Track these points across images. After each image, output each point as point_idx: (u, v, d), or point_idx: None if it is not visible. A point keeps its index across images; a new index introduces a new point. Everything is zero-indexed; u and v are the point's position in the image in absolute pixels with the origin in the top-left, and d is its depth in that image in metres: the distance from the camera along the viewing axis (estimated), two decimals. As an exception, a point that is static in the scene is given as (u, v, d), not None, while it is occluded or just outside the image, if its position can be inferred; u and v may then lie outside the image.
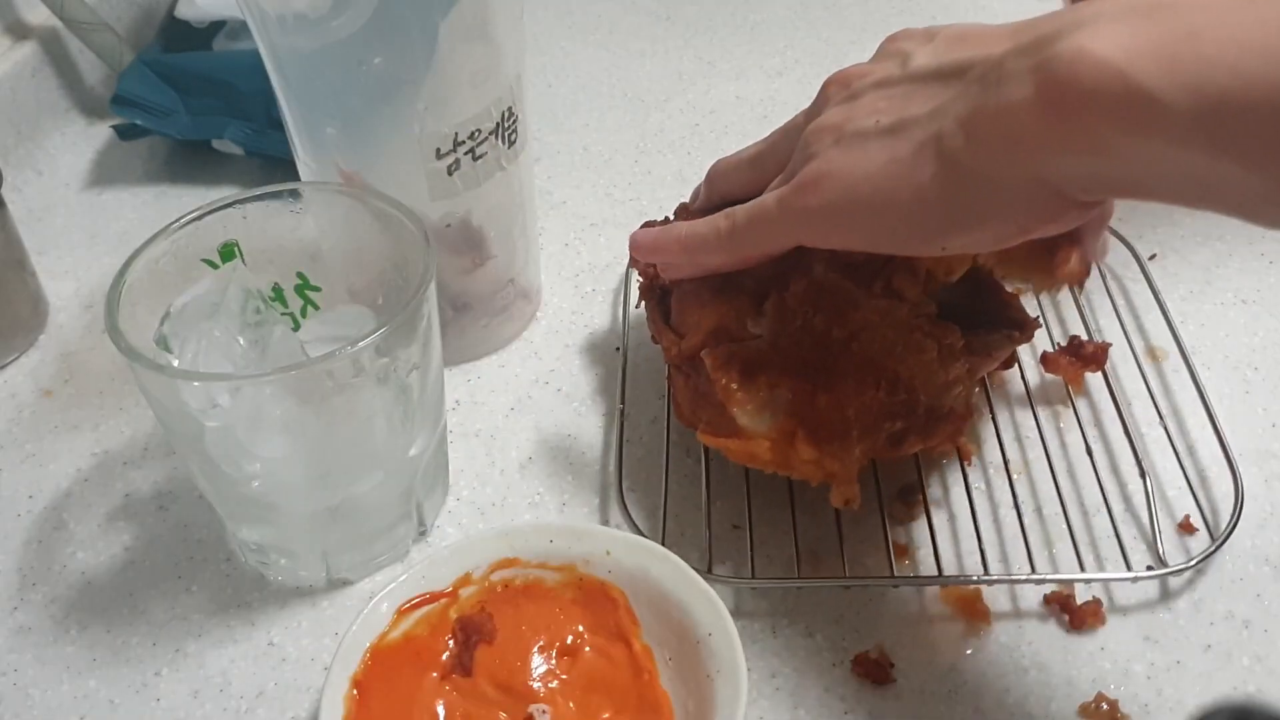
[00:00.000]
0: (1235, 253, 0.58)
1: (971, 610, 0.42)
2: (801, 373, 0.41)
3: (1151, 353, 0.52)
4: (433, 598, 0.41)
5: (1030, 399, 0.50)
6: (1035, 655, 0.41)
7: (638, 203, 0.65)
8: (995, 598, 0.43)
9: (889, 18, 0.81)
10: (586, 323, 0.56)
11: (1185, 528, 0.45)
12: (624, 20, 0.83)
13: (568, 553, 0.41)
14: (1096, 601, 0.42)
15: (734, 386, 0.41)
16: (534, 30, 0.82)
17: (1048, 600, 0.43)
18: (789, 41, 0.79)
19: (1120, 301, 0.54)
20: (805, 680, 0.41)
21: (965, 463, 0.47)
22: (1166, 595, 0.42)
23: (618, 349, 0.53)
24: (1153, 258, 0.58)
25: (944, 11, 0.81)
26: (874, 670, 0.41)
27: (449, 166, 0.47)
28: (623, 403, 0.51)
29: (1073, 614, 0.42)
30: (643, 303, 0.50)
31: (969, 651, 0.41)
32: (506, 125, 0.48)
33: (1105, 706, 0.39)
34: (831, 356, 0.41)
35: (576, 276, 0.60)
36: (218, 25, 0.71)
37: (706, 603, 0.39)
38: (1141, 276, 0.55)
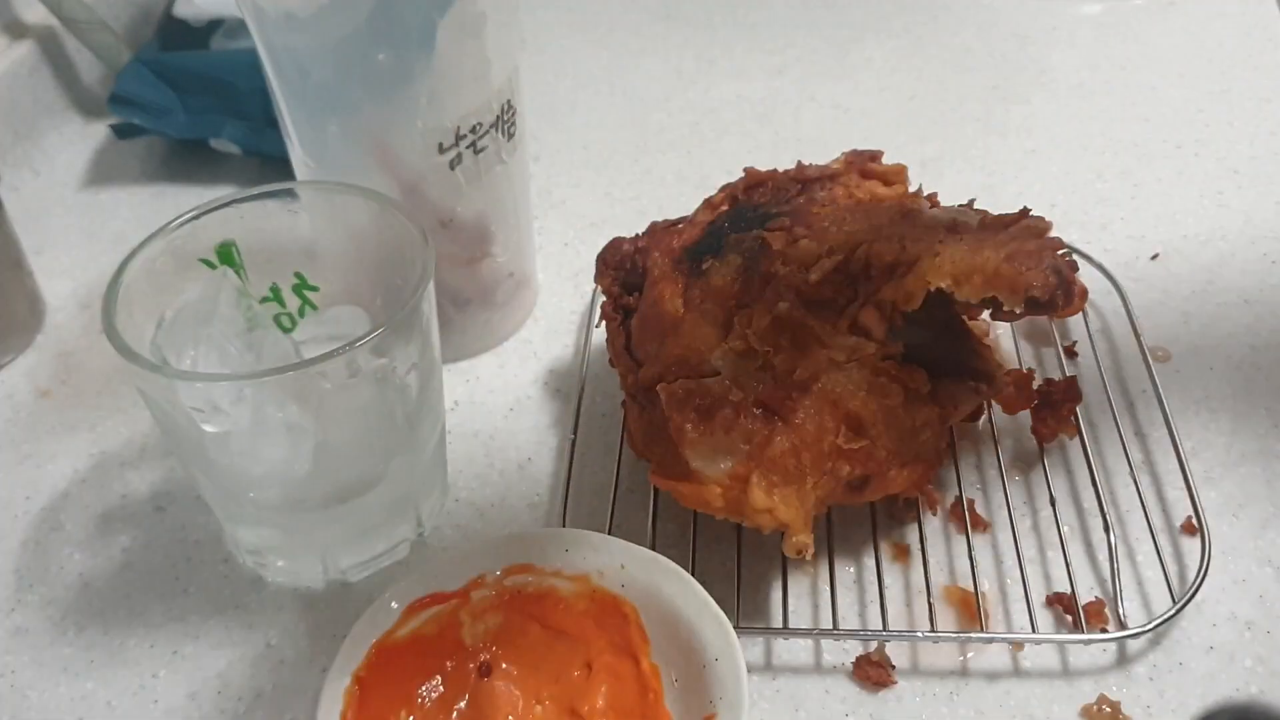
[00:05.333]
0: (1238, 252, 0.58)
1: (971, 612, 0.42)
2: (760, 415, 0.40)
3: (1127, 395, 0.51)
4: (443, 598, 0.41)
5: (997, 445, 0.48)
6: (1037, 656, 0.41)
7: (638, 202, 0.65)
8: (995, 599, 0.43)
9: (889, 16, 0.80)
10: (586, 323, 0.56)
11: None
12: (624, 19, 0.83)
13: (582, 564, 0.41)
14: (1100, 601, 0.42)
15: (689, 427, 0.40)
16: (533, 28, 0.82)
17: (1050, 601, 0.43)
18: (789, 40, 0.79)
19: (1102, 349, 0.52)
20: (806, 682, 0.41)
21: (930, 511, 0.46)
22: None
23: (582, 372, 0.52)
24: (1155, 257, 0.58)
25: (945, 10, 0.81)
26: (875, 672, 0.40)
27: (451, 161, 0.47)
28: (575, 433, 0.49)
29: (1075, 615, 0.41)
30: (604, 323, 0.49)
31: (970, 654, 0.41)
32: (506, 118, 0.48)
33: (1107, 708, 0.39)
34: (792, 398, 0.40)
35: (576, 276, 0.59)
36: (215, 24, 0.71)
37: (716, 626, 0.38)
38: (1124, 312, 0.53)
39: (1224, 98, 0.70)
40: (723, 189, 0.50)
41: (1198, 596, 0.41)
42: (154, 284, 0.41)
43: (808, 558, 0.39)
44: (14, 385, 0.55)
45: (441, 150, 0.46)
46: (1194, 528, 0.44)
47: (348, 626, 0.40)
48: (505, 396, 0.53)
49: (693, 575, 0.40)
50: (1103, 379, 0.50)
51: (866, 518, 0.45)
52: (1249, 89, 0.70)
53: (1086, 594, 0.42)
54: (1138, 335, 0.52)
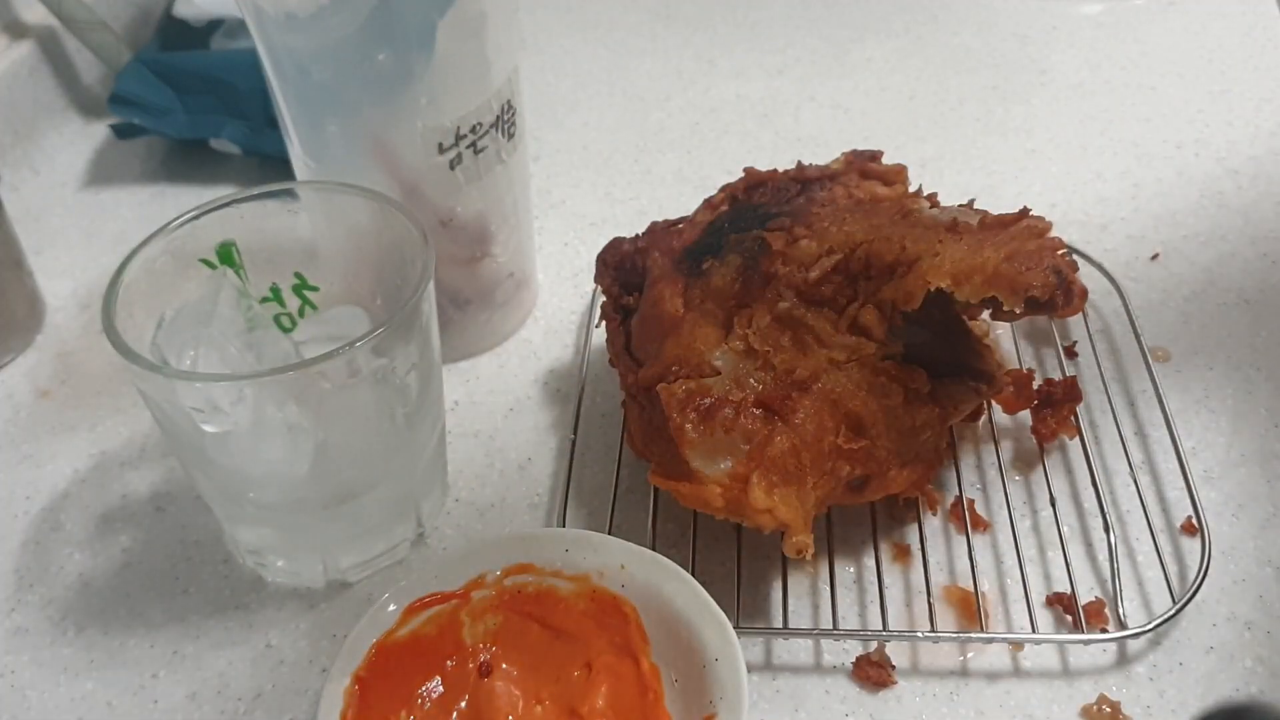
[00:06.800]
0: (1238, 252, 0.58)
1: (971, 612, 0.42)
2: (760, 414, 0.40)
3: (1129, 397, 0.50)
4: (444, 598, 0.41)
5: (997, 445, 0.48)
6: (1037, 656, 0.41)
7: (637, 202, 0.65)
8: (995, 599, 0.43)
9: (890, 15, 0.80)
10: (586, 323, 0.56)
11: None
12: (624, 18, 0.83)
13: (582, 564, 0.41)
14: (1100, 601, 0.42)
15: (689, 427, 0.39)
16: (533, 28, 0.82)
17: (1050, 601, 0.42)
18: (789, 40, 0.79)
19: (1102, 349, 0.52)
20: (806, 682, 0.41)
21: (930, 511, 0.46)
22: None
23: (582, 372, 0.52)
24: (1155, 257, 0.58)
25: (945, 9, 0.81)
26: (875, 672, 0.40)
27: (451, 161, 0.47)
28: (575, 433, 0.49)
29: (1075, 615, 0.41)
30: (604, 323, 0.49)
31: (970, 654, 0.41)
32: (506, 118, 0.48)
33: (1107, 709, 0.39)
34: (792, 398, 0.40)
35: (576, 276, 0.59)
36: (215, 24, 0.71)
37: (716, 627, 0.38)
38: (1124, 312, 0.53)
39: (1224, 98, 0.70)
40: (723, 189, 0.50)
41: (1198, 597, 0.41)
42: (154, 284, 0.41)
43: (808, 558, 0.39)
44: (14, 385, 0.55)
45: (441, 150, 0.46)
46: (1194, 528, 0.44)
47: (348, 626, 0.40)
48: (505, 397, 0.53)
49: (693, 575, 0.40)
50: (1103, 379, 0.50)
51: (866, 518, 0.45)
52: (1249, 89, 0.70)
53: (1086, 594, 0.42)
54: (1138, 335, 0.52)
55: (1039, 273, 0.39)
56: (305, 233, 0.45)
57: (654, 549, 0.41)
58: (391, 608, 0.40)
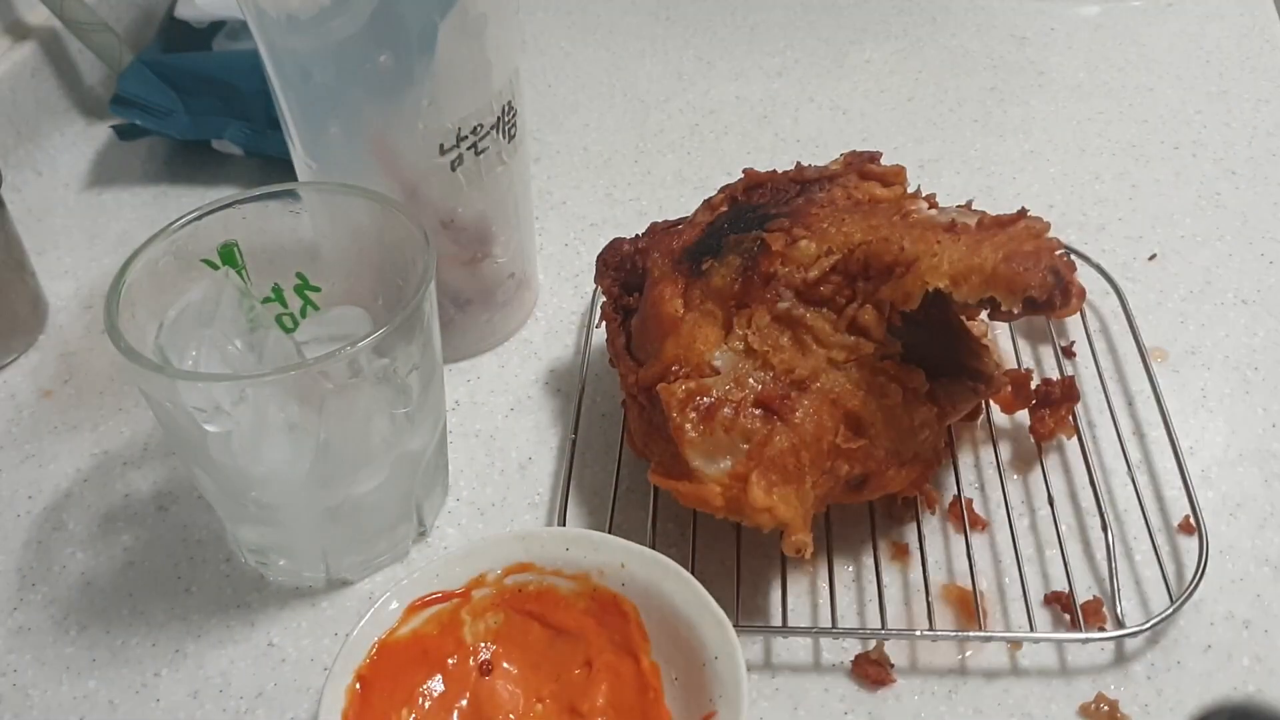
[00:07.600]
0: (1235, 253, 0.58)
1: (969, 611, 0.42)
2: (760, 414, 0.40)
3: (1127, 394, 0.51)
4: (445, 597, 0.41)
5: (995, 444, 0.48)
6: (1035, 655, 0.41)
7: (638, 203, 0.65)
8: (993, 598, 0.43)
9: (889, 18, 0.81)
10: (586, 323, 0.56)
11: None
12: (624, 20, 0.83)
13: (582, 562, 0.41)
14: (1098, 600, 0.42)
15: (688, 427, 0.40)
16: (534, 30, 0.82)
17: (1048, 600, 0.43)
18: (789, 41, 0.79)
19: (1100, 349, 0.52)
20: (805, 680, 0.41)
21: (929, 510, 0.46)
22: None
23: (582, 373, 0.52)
24: (1152, 257, 0.58)
25: (943, 11, 0.81)
26: (874, 671, 0.41)
27: (452, 162, 0.47)
28: (575, 433, 0.49)
29: (1073, 614, 0.42)
30: (604, 323, 0.49)
31: (968, 653, 0.41)
32: (507, 119, 0.48)
33: (1105, 707, 0.39)
34: (791, 397, 0.40)
35: (576, 276, 0.60)
36: (217, 25, 0.71)
37: (716, 625, 0.38)
38: (1122, 312, 0.54)
39: (1221, 99, 0.70)
40: (722, 190, 0.50)
41: (1195, 595, 0.42)
42: (156, 284, 0.41)
43: (807, 557, 0.39)
44: (16, 385, 0.55)
45: (442, 151, 0.47)
46: (1192, 527, 0.44)
47: (349, 625, 0.40)
48: (506, 396, 0.53)
49: (692, 574, 0.40)
50: (1101, 379, 0.50)
51: (865, 517, 0.45)
52: (1246, 90, 0.71)
53: (1084, 593, 0.43)
54: (1135, 335, 0.52)
55: (1037, 273, 0.39)
56: (307, 233, 0.45)
57: (654, 548, 0.42)
58: (393, 606, 0.40)
